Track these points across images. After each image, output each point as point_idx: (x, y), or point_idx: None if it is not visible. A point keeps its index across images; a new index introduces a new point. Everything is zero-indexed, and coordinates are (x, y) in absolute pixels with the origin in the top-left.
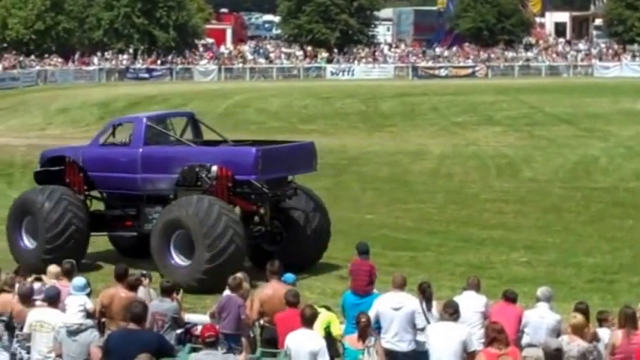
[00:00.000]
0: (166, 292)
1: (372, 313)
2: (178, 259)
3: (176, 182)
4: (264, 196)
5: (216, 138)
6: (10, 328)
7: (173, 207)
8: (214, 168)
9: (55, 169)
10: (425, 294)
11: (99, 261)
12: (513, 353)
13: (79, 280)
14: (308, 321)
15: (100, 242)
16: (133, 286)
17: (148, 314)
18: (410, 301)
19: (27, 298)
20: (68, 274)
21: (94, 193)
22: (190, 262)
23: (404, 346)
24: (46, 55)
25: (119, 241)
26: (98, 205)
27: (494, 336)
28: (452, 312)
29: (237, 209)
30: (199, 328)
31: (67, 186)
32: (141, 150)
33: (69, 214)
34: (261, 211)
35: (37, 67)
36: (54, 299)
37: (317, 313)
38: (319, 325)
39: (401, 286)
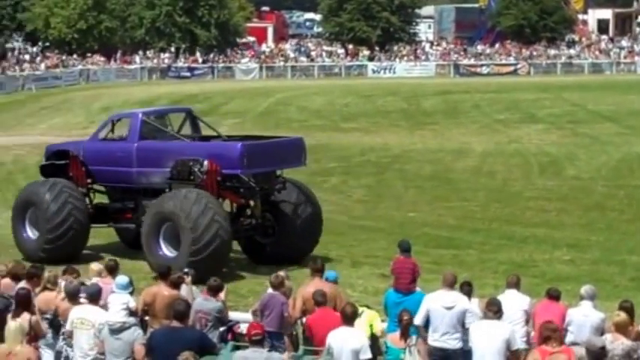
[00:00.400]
0: (213, 290)
1: (422, 311)
2: (167, 251)
3: (171, 176)
4: (252, 190)
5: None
6: (53, 325)
7: (163, 199)
8: (206, 162)
9: (60, 162)
10: (462, 290)
11: (102, 252)
12: (567, 352)
13: (122, 278)
14: (349, 319)
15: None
16: (176, 284)
17: (191, 312)
18: (462, 301)
19: (74, 297)
20: (112, 272)
21: (98, 186)
22: (177, 253)
23: (454, 343)
24: (89, 54)
25: (124, 233)
26: (102, 198)
27: (549, 334)
28: (495, 310)
29: (229, 203)
30: (242, 326)
31: (70, 179)
32: (136, 144)
33: (69, 207)
34: (251, 203)
35: (80, 66)
36: (95, 296)
37: (357, 311)
38: (365, 322)
39: (452, 284)
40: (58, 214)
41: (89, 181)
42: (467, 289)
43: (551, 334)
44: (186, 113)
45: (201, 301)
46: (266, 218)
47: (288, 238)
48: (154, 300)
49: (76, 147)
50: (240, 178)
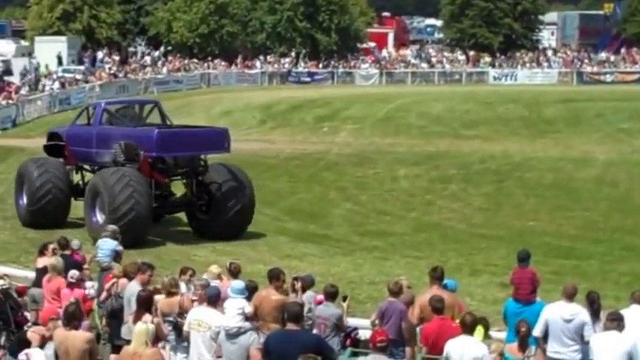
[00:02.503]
0: (330, 296)
1: (541, 322)
2: (99, 217)
3: (125, 157)
4: (173, 171)
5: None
6: (176, 328)
7: (96, 176)
8: None
9: (61, 143)
10: (593, 306)
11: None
12: None
13: (238, 283)
14: (469, 327)
15: None
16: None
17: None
18: (582, 313)
19: (215, 302)
20: (234, 276)
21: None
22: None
23: (573, 355)
24: (210, 59)
25: None
26: None
27: None
28: (617, 322)
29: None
30: (359, 332)
31: (65, 158)
32: (96, 129)
33: (49, 185)
34: (184, 181)
35: (201, 70)
36: (213, 299)
37: (477, 321)
38: (479, 331)
39: (572, 296)
40: (40, 189)
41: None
42: (598, 305)
43: None
44: (153, 105)
45: (321, 307)
46: (202, 197)
47: (221, 216)
48: (261, 304)
49: (62, 131)
50: (164, 161)
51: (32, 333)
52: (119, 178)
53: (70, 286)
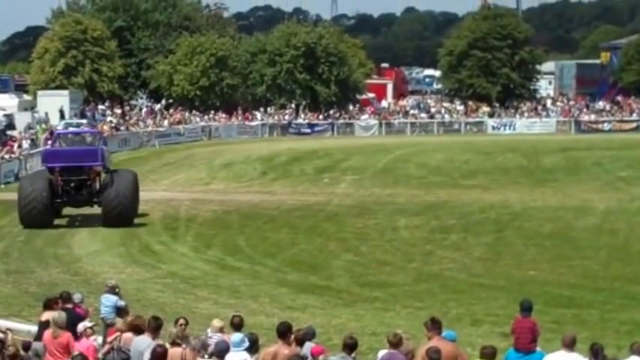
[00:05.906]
0: (349, 348)
1: None
2: None
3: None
4: (68, 175)
5: None
6: None
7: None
8: None
9: None
10: (597, 357)
11: None
12: None
13: (237, 336)
14: None
15: None
16: (301, 341)
17: None
18: None
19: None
20: (237, 328)
21: None
22: None
23: None
24: (211, 111)
25: None
26: None
27: None
28: None
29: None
30: None
31: None
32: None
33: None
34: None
35: (202, 123)
36: (223, 353)
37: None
38: None
39: (571, 345)
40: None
41: None
42: (602, 357)
43: None
44: (96, 134)
45: (337, 358)
46: (99, 196)
47: (109, 210)
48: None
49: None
50: (60, 169)
51: None
52: (28, 178)
53: (89, 337)
